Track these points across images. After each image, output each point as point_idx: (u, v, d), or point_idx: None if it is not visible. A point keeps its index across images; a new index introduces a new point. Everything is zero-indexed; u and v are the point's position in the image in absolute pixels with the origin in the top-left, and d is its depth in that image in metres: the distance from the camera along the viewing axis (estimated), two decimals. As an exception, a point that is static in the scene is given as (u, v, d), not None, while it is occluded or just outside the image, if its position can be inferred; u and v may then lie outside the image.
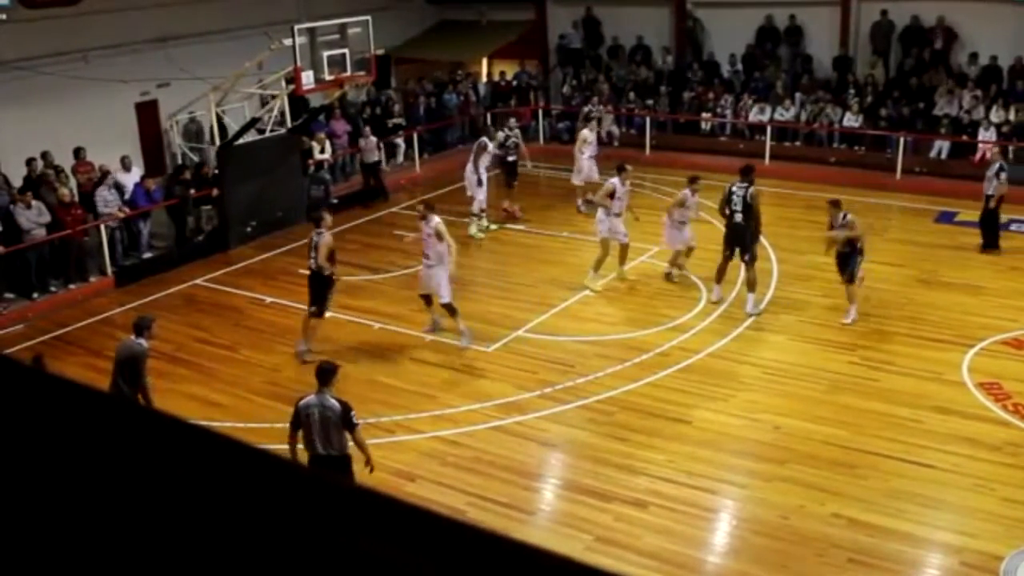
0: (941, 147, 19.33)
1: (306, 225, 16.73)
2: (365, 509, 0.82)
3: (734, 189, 12.66)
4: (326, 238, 11.53)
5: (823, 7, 21.67)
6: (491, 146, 16.58)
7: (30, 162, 15.53)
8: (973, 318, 12.39)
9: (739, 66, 22.41)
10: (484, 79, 24.94)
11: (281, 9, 19.88)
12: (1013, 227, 16.16)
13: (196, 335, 12.97)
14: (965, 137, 18.94)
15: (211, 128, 17.27)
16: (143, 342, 9.25)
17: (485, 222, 16.73)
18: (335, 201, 18.68)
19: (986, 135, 18.73)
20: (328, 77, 16.42)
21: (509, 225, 17.11)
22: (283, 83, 17.09)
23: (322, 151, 18.88)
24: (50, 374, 1.00)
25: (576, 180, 17.44)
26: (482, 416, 10.39)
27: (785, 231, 15.56)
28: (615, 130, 22.11)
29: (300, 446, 7.94)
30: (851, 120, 20.13)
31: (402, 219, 17.36)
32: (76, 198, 15.41)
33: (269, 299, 13.93)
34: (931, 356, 11.38)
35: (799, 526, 8.25)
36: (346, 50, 16.67)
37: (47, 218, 14.44)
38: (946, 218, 16.62)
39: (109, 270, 15.23)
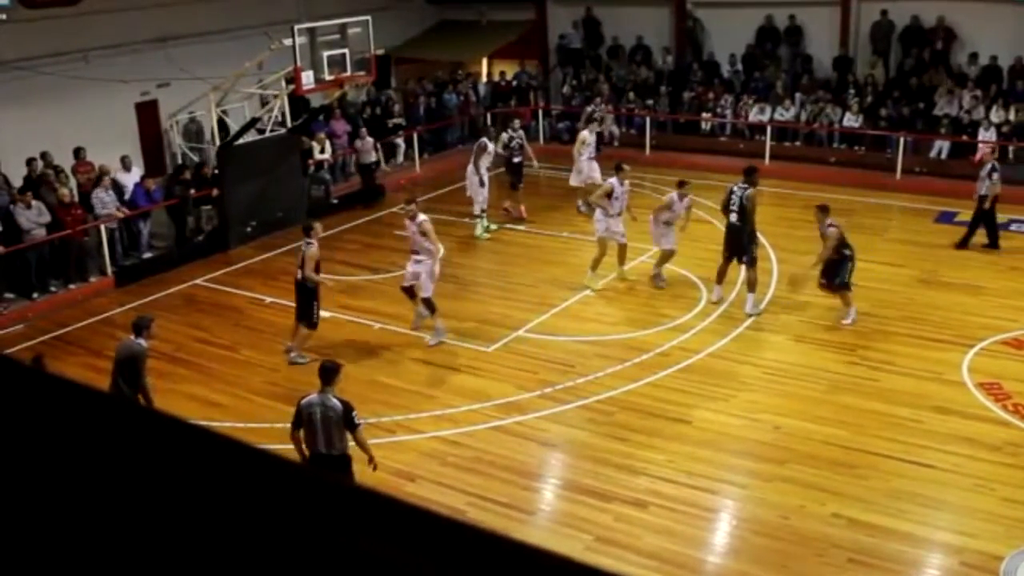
0: (941, 147, 19.34)
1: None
2: (365, 509, 0.82)
3: (734, 189, 12.72)
4: (313, 250, 11.48)
5: (823, 7, 21.68)
6: (491, 146, 16.56)
7: (30, 162, 15.53)
8: (973, 318, 12.39)
9: (739, 66, 22.41)
10: (484, 79, 24.93)
11: (281, 9, 19.89)
12: (1013, 227, 16.17)
13: (196, 335, 12.97)
14: (965, 137, 18.93)
15: (212, 128, 17.25)
16: (142, 342, 9.26)
17: (487, 221, 16.71)
18: (335, 201, 18.70)
19: (986, 135, 18.73)
20: (328, 77, 16.42)
21: (509, 225, 17.09)
22: (283, 83, 17.08)
23: (322, 151, 18.88)
24: (50, 374, 1.00)
25: (574, 181, 17.38)
26: (482, 416, 10.39)
27: (785, 231, 15.56)
28: (615, 130, 22.12)
29: (302, 445, 7.95)
30: (851, 120, 20.13)
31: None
32: (76, 198, 15.41)
33: (269, 299, 13.93)
34: (931, 356, 11.38)
35: (799, 526, 8.25)
36: (346, 50, 16.67)
37: (47, 218, 14.44)
38: (946, 218, 16.62)
39: (109, 270, 15.24)
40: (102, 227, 15.16)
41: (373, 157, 19.04)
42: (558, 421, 10.28)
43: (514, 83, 24.07)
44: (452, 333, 12.50)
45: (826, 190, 18.41)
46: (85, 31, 16.68)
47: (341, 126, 20.18)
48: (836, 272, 12.08)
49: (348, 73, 16.76)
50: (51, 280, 14.74)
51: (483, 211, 16.61)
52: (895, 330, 12.15)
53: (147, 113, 18.68)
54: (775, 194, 17.46)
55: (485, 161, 16.39)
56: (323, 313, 12.90)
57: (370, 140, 19.02)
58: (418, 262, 11.99)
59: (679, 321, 12.64)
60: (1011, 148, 18.65)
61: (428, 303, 12.10)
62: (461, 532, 0.78)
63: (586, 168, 17.12)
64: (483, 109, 23.42)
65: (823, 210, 12.24)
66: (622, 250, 13.93)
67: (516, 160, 17.32)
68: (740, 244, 12.68)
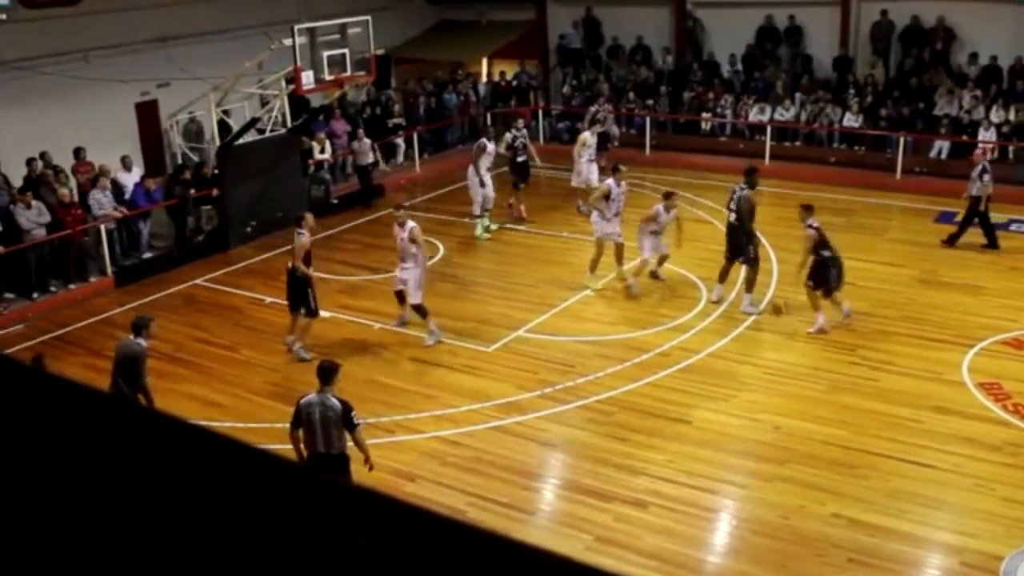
0: (941, 147, 19.34)
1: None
2: (365, 509, 0.82)
3: (735, 189, 12.82)
4: (303, 239, 11.60)
5: (823, 7, 21.67)
6: (491, 146, 16.52)
7: (30, 162, 15.54)
8: (973, 318, 12.39)
9: (739, 66, 22.41)
10: (484, 79, 24.93)
11: (281, 9, 19.88)
12: (1013, 227, 16.18)
13: (196, 335, 12.97)
14: (965, 137, 18.93)
15: (214, 128, 17.25)
16: (142, 342, 9.26)
17: (487, 221, 16.69)
18: (335, 201, 18.69)
19: (986, 135, 18.74)
20: (328, 77, 16.42)
21: (509, 225, 17.07)
22: (283, 83, 17.09)
23: (322, 151, 18.87)
24: (50, 374, 1.00)
25: (575, 182, 17.35)
26: (482, 416, 10.39)
27: (785, 231, 15.50)
28: (615, 130, 22.09)
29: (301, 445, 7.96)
30: (851, 120, 20.13)
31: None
32: (76, 198, 15.41)
33: (269, 299, 13.93)
34: (931, 356, 11.38)
35: (799, 526, 8.25)
36: (346, 50, 16.67)
37: (47, 218, 14.45)
38: (946, 218, 16.60)
39: (109, 270, 15.24)
40: (102, 228, 15.16)
41: (370, 158, 19.01)
42: (558, 421, 10.28)
43: (514, 83, 24.07)
44: (452, 333, 12.50)
45: (826, 190, 18.43)
46: (85, 31, 16.68)
47: (341, 126, 20.18)
48: (824, 278, 11.90)
49: (348, 73, 16.76)
50: (51, 280, 14.75)
51: (486, 211, 16.58)
52: (895, 330, 12.15)
53: (147, 113, 18.68)
54: (775, 194, 17.45)
55: (485, 161, 16.37)
56: (323, 313, 12.93)
57: (367, 141, 19.00)
58: (405, 269, 12.06)
59: (679, 321, 12.64)
60: (1011, 148, 18.65)
61: (419, 309, 12.14)
62: (461, 532, 0.78)
63: (585, 170, 17.08)
64: (483, 109, 23.42)
65: (807, 209, 12.12)
66: (619, 250, 13.92)
67: (520, 160, 17.26)
68: (738, 244, 12.74)
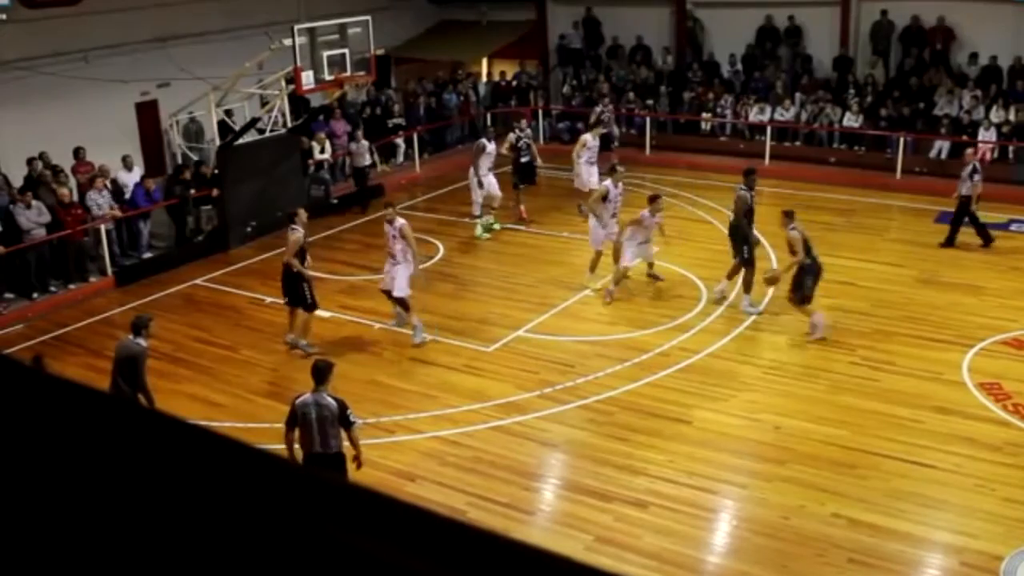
0: (941, 147, 19.33)
1: (306, 225, 16.76)
2: (364, 509, 0.82)
3: (736, 188, 12.93)
4: (297, 235, 11.65)
5: (823, 7, 21.68)
6: (490, 146, 16.47)
7: (30, 162, 15.54)
8: (973, 318, 12.39)
9: (739, 66, 22.42)
10: (484, 79, 24.93)
11: (281, 9, 19.88)
12: (1013, 227, 16.19)
13: (196, 335, 12.97)
14: (965, 137, 18.93)
15: (215, 128, 17.25)
16: (141, 341, 9.26)
17: (491, 219, 16.64)
18: (335, 201, 18.69)
19: (986, 135, 18.74)
20: (328, 77, 16.43)
21: (510, 225, 17.03)
22: (283, 83, 17.09)
23: (322, 151, 18.87)
24: (50, 374, 1.00)
25: (577, 183, 17.24)
26: (482, 416, 10.39)
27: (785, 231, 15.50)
28: (615, 130, 22.10)
29: (296, 445, 7.96)
30: (851, 120, 20.13)
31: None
32: (76, 198, 15.42)
33: (269, 299, 13.92)
34: (931, 356, 11.38)
35: (799, 526, 8.25)
36: (346, 50, 16.68)
37: (47, 218, 14.45)
38: (946, 218, 16.57)
39: (109, 270, 15.24)
40: (102, 228, 15.16)
41: (367, 160, 18.94)
42: (558, 421, 10.28)
43: (514, 83, 24.06)
44: (452, 333, 12.51)
45: (826, 190, 18.45)
46: (85, 31, 16.68)
47: (341, 126, 20.18)
48: (799, 284, 11.78)
49: (348, 73, 16.76)
50: (51, 280, 14.75)
51: (492, 209, 16.54)
52: (895, 330, 12.15)
53: (147, 113, 18.68)
54: (775, 194, 17.45)
55: (486, 161, 16.32)
56: (324, 313, 12.93)
57: (365, 143, 18.91)
58: (394, 265, 12.07)
59: (679, 321, 12.64)
60: (1011, 148, 18.66)
61: (402, 303, 12.17)
62: (461, 532, 0.78)
63: (584, 172, 16.87)
64: (483, 109, 23.43)
65: (788, 215, 12.04)
66: (618, 250, 13.89)
67: (524, 160, 17.16)
68: (734, 240, 12.89)
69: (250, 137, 17.01)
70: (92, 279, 15.09)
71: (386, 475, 9.14)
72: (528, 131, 17.80)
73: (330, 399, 7.82)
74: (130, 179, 16.47)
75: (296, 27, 16.04)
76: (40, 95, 15.98)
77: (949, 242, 15.11)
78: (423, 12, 24.83)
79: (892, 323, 12.36)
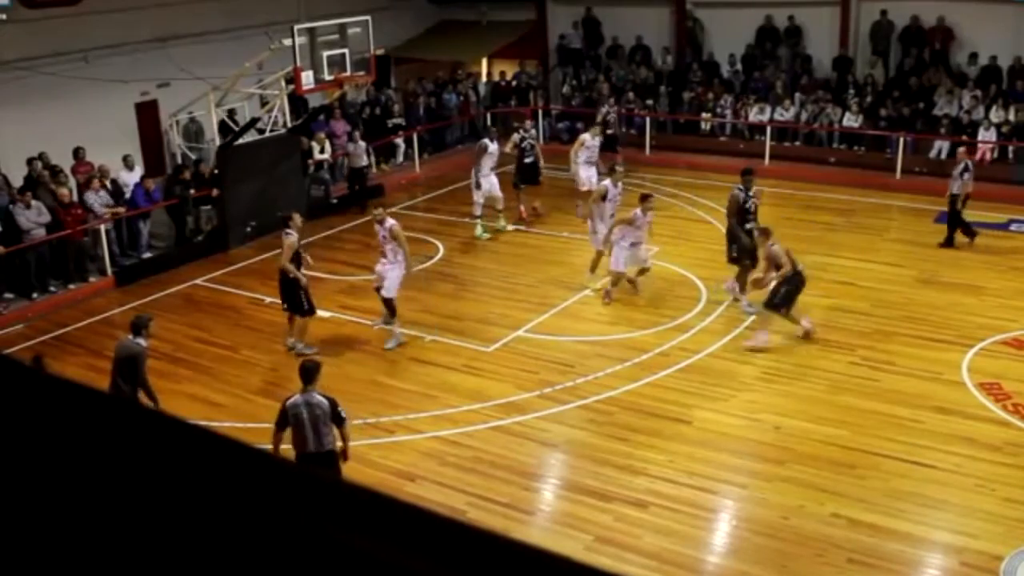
0: (941, 147, 19.33)
1: (306, 225, 16.73)
2: (364, 509, 0.82)
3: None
4: (291, 239, 11.63)
5: (823, 7, 21.68)
6: (493, 147, 16.40)
7: (30, 162, 15.54)
8: (973, 318, 12.39)
9: (739, 66, 22.42)
10: (484, 79, 24.93)
11: (281, 9, 19.88)
12: (1013, 227, 16.19)
13: (196, 335, 12.98)
14: (965, 137, 18.92)
15: (216, 127, 17.26)
16: (141, 341, 9.26)
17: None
18: (335, 201, 18.69)
19: (986, 135, 18.74)
20: (328, 77, 16.42)
21: (510, 226, 16.96)
22: (283, 83, 17.09)
23: (322, 151, 18.86)
24: (50, 374, 1.00)
25: (579, 185, 17.12)
26: (482, 416, 10.39)
27: (785, 231, 15.49)
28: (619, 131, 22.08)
29: (286, 445, 7.97)
30: (851, 120, 20.14)
31: (402, 219, 17.30)
32: (76, 198, 15.42)
33: (269, 299, 13.91)
34: (931, 356, 11.38)
35: (799, 526, 8.25)
36: (346, 50, 16.68)
37: (47, 218, 14.45)
38: (946, 218, 16.61)
39: (109, 270, 15.24)
40: (101, 228, 15.16)
41: (365, 161, 18.89)
42: (558, 421, 10.28)
43: (514, 83, 24.06)
44: (452, 333, 12.51)
45: (826, 190, 18.46)
46: (85, 31, 16.68)
47: (341, 126, 20.17)
48: (774, 291, 11.70)
49: (348, 73, 16.76)
50: (51, 280, 14.75)
51: (498, 211, 16.51)
52: (895, 330, 12.15)
53: (147, 113, 18.68)
54: (775, 194, 17.45)
55: (488, 162, 16.24)
56: (324, 313, 12.93)
57: (362, 144, 18.86)
58: (386, 265, 12.07)
59: (679, 321, 12.64)
60: (1011, 148, 18.66)
61: (389, 304, 12.14)
62: (461, 532, 0.78)
63: (582, 172, 16.76)
64: (483, 109, 23.42)
65: (765, 233, 11.94)
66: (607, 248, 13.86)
67: (528, 160, 17.07)
68: (727, 240, 13.06)
69: (250, 137, 17.01)
70: (92, 279, 15.09)
71: (386, 475, 9.14)
72: (532, 132, 17.74)
73: (321, 398, 7.89)
74: (131, 179, 16.47)
75: (296, 27, 16.04)
76: (40, 95, 15.98)
77: (949, 242, 15.12)
78: (423, 12, 24.83)
79: (892, 323, 12.36)
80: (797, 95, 21.05)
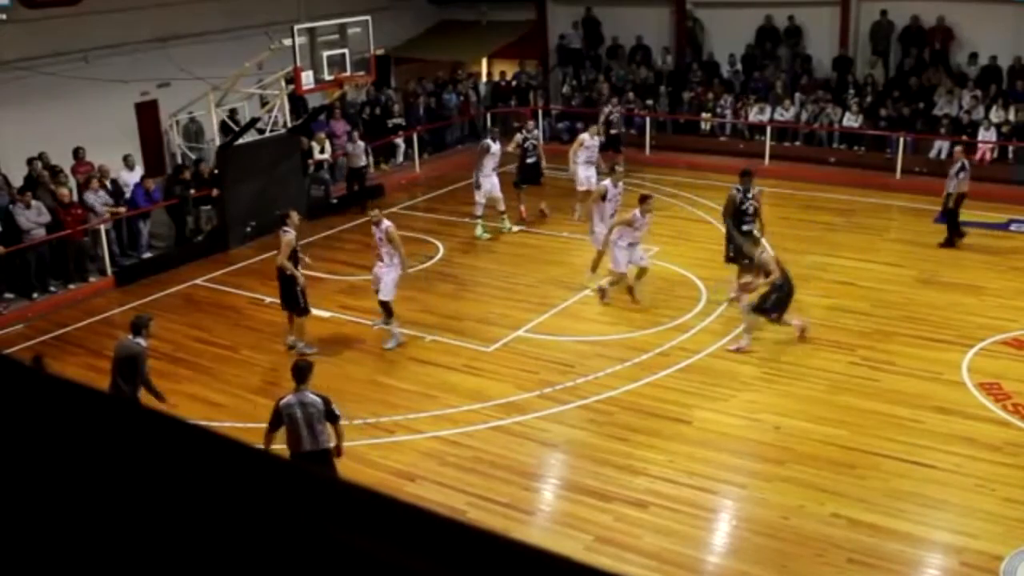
0: (941, 147, 19.32)
1: (306, 225, 16.75)
2: (364, 509, 0.82)
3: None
4: (289, 237, 11.65)
5: (823, 7, 21.68)
6: (495, 147, 16.36)
7: (30, 162, 15.54)
8: (973, 318, 12.39)
9: (739, 66, 22.42)
10: (484, 79, 24.93)
11: (281, 9, 19.88)
12: (1013, 227, 16.19)
13: (196, 335, 12.98)
14: (965, 137, 18.92)
15: (218, 127, 17.26)
16: (141, 341, 9.26)
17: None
18: (335, 201, 18.69)
19: (986, 135, 18.75)
20: (328, 77, 16.42)
21: (515, 227, 16.89)
22: (283, 83, 17.09)
23: (322, 151, 18.86)
24: (50, 374, 1.00)
25: (578, 186, 17.07)
26: (482, 416, 10.39)
27: (785, 231, 15.53)
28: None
29: (280, 446, 7.99)
30: (851, 120, 20.14)
31: (402, 219, 17.34)
32: (76, 198, 15.42)
33: (269, 299, 13.92)
34: (931, 356, 11.38)
35: (799, 526, 8.25)
36: (346, 50, 16.67)
37: (47, 218, 14.45)
38: (944, 218, 16.62)
39: (109, 270, 15.24)
40: (101, 228, 15.16)
41: (363, 161, 18.87)
42: (558, 421, 10.28)
43: (514, 83, 24.06)
44: (452, 333, 12.51)
45: (826, 190, 18.46)
46: (85, 31, 16.68)
47: (341, 126, 20.16)
48: (764, 296, 11.65)
49: (348, 73, 16.76)
50: (51, 280, 14.75)
51: (501, 212, 16.48)
52: (895, 330, 12.15)
53: (147, 113, 18.68)
54: (775, 194, 17.45)
55: (490, 162, 16.20)
56: (324, 313, 12.94)
57: (361, 144, 18.81)
58: (383, 267, 12.07)
59: (679, 321, 12.64)
60: (1011, 148, 18.66)
61: (385, 306, 12.13)
62: (461, 532, 0.78)
63: (581, 172, 16.73)
64: (483, 109, 23.42)
65: (754, 242, 12.01)
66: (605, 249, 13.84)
67: (530, 160, 17.01)
68: (726, 242, 13.09)
69: (250, 137, 17.01)
70: (92, 279, 15.09)
71: (386, 475, 9.14)
72: (536, 132, 17.69)
73: (314, 396, 7.94)
74: (132, 179, 16.48)
75: (296, 27, 16.04)
76: (40, 95, 15.98)
77: (948, 242, 15.12)
78: (423, 12, 24.83)
79: (892, 323, 12.37)
80: (797, 95, 21.05)
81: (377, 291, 12.25)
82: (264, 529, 0.81)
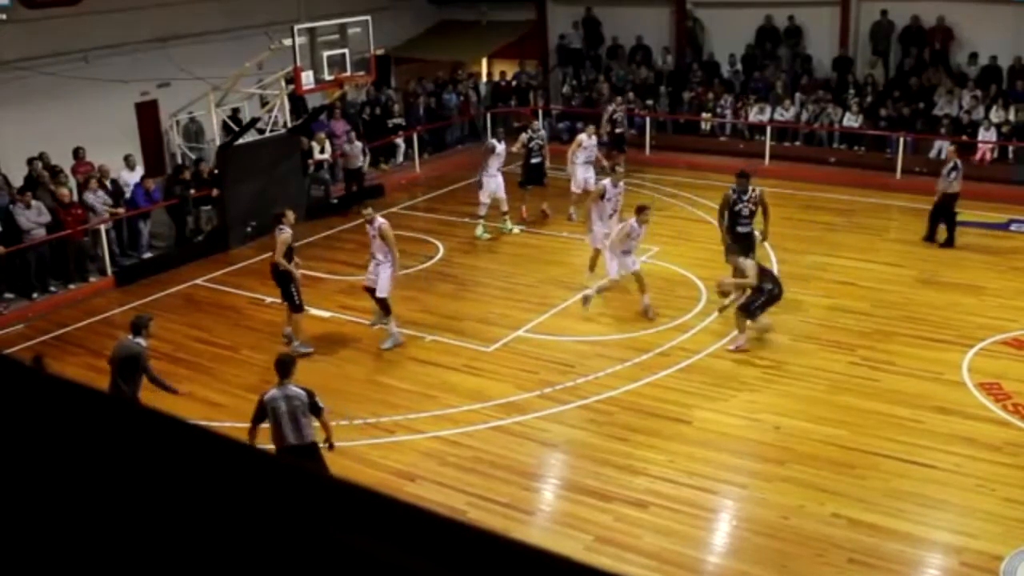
0: (941, 147, 19.30)
1: (306, 225, 16.77)
2: (364, 509, 0.82)
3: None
4: (284, 235, 11.69)
5: (823, 7, 21.68)
6: (500, 147, 16.33)
7: (31, 162, 15.54)
8: (973, 318, 12.39)
9: (739, 66, 22.42)
10: (484, 79, 24.93)
11: (281, 9, 19.89)
12: (1013, 227, 16.19)
13: (196, 335, 12.98)
14: (965, 137, 18.94)
15: (219, 127, 17.26)
16: (141, 341, 9.26)
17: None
18: (335, 201, 18.68)
19: (986, 135, 18.75)
20: (328, 77, 16.42)
21: (516, 228, 16.86)
22: (283, 83, 17.09)
23: (322, 151, 18.85)
24: (50, 374, 1.00)
25: (573, 186, 17.06)
26: (482, 416, 10.39)
27: (785, 231, 15.52)
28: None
29: (268, 447, 8.00)
30: (851, 120, 20.14)
31: (402, 219, 17.36)
32: (76, 198, 15.42)
33: (269, 299, 13.93)
34: (931, 356, 11.37)
35: (799, 526, 8.25)
36: (346, 50, 16.67)
37: (47, 218, 14.45)
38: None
39: (109, 270, 15.24)
40: (101, 228, 15.16)
41: (360, 161, 18.86)
42: (558, 421, 10.27)
43: (514, 83, 24.06)
44: (452, 333, 12.51)
45: (826, 190, 18.46)
46: (85, 31, 16.68)
47: (341, 126, 20.16)
48: (752, 298, 11.65)
49: (348, 73, 16.76)
50: (51, 280, 14.75)
51: (504, 213, 16.47)
52: (895, 330, 12.15)
53: (147, 113, 18.68)
54: (775, 194, 17.35)
55: (495, 163, 16.18)
56: (323, 313, 12.95)
57: (358, 144, 18.77)
58: (377, 264, 12.07)
59: (679, 321, 12.64)
60: (1011, 148, 18.66)
61: (384, 304, 12.11)
62: (461, 532, 0.78)
63: (580, 173, 16.68)
64: (483, 109, 23.42)
65: (731, 253, 12.01)
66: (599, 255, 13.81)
67: (534, 161, 16.96)
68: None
69: (250, 137, 17.01)
70: (92, 279, 15.09)
71: (386, 475, 9.14)
72: (542, 132, 17.60)
73: (298, 389, 7.97)
74: (132, 179, 16.48)
75: (296, 27, 16.04)
76: (40, 95, 15.98)
77: (948, 242, 15.12)
78: (423, 12, 24.83)
79: (892, 323, 12.36)
80: (797, 95, 21.06)
81: (370, 289, 12.26)
82: (264, 529, 0.81)
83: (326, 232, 17.18)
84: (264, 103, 17.81)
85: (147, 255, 16.21)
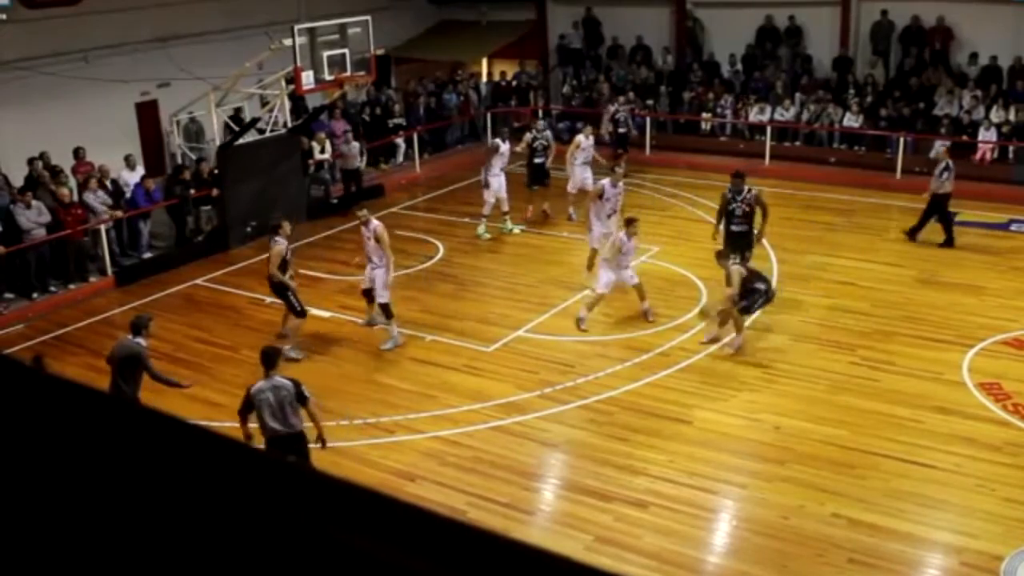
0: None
1: (306, 225, 16.78)
2: (364, 509, 0.82)
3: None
4: (279, 247, 11.62)
5: (823, 7, 21.68)
6: (504, 147, 16.31)
7: (31, 162, 15.54)
8: (973, 318, 12.39)
9: (739, 66, 22.42)
10: (484, 79, 24.93)
11: (281, 9, 19.88)
12: (1013, 227, 16.19)
13: (196, 335, 12.97)
14: (965, 137, 18.94)
15: (221, 127, 17.25)
16: (141, 341, 9.26)
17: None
18: (335, 201, 18.68)
19: (986, 135, 18.74)
20: (328, 77, 16.42)
21: (517, 228, 16.86)
22: (283, 83, 17.09)
23: (322, 151, 18.85)
24: (50, 374, 1.00)
25: (570, 187, 16.91)
26: (482, 416, 10.39)
27: (785, 231, 15.54)
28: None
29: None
30: (851, 120, 20.14)
31: (402, 219, 17.37)
32: (76, 198, 15.41)
33: (269, 299, 13.91)
34: (931, 356, 11.37)
35: (799, 526, 8.25)
36: (346, 50, 16.67)
37: (47, 218, 14.45)
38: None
39: (109, 270, 15.24)
40: (101, 228, 15.15)
41: (358, 162, 18.84)
42: (558, 421, 10.27)
43: (514, 83, 24.06)
44: (452, 333, 12.51)
45: (826, 190, 18.46)
46: (85, 31, 16.68)
47: (341, 126, 20.15)
48: (746, 298, 11.60)
49: (348, 73, 16.76)
50: (51, 280, 14.75)
51: (505, 214, 16.46)
52: (895, 330, 12.15)
53: (147, 113, 18.68)
54: (775, 194, 17.40)
55: (499, 162, 16.17)
56: (323, 313, 12.94)
57: (356, 144, 18.72)
58: (374, 268, 12.06)
59: (679, 321, 12.64)
60: (1011, 148, 18.66)
61: (385, 309, 12.10)
62: (461, 532, 0.78)
63: (579, 173, 16.62)
64: (483, 109, 23.42)
65: (720, 256, 11.95)
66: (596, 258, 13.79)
67: (538, 161, 16.91)
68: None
69: (250, 137, 17.01)
70: (92, 279, 15.09)
71: (386, 475, 9.14)
72: (547, 132, 17.57)
73: (283, 380, 8.08)
74: (133, 179, 16.48)
75: (296, 27, 16.04)
76: (40, 95, 15.99)
77: (948, 242, 15.12)
78: (423, 12, 24.83)
79: (892, 323, 12.36)
80: (797, 95, 21.06)
81: (366, 292, 12.25)
82: (265, 529, 0.81)
83: (326, 232, 17.18)
84: (264, 103, 17.81)
85: (147, 255, 16.21)
